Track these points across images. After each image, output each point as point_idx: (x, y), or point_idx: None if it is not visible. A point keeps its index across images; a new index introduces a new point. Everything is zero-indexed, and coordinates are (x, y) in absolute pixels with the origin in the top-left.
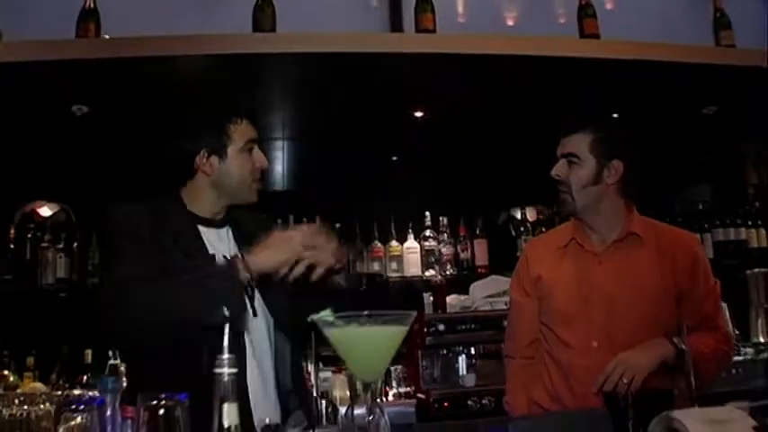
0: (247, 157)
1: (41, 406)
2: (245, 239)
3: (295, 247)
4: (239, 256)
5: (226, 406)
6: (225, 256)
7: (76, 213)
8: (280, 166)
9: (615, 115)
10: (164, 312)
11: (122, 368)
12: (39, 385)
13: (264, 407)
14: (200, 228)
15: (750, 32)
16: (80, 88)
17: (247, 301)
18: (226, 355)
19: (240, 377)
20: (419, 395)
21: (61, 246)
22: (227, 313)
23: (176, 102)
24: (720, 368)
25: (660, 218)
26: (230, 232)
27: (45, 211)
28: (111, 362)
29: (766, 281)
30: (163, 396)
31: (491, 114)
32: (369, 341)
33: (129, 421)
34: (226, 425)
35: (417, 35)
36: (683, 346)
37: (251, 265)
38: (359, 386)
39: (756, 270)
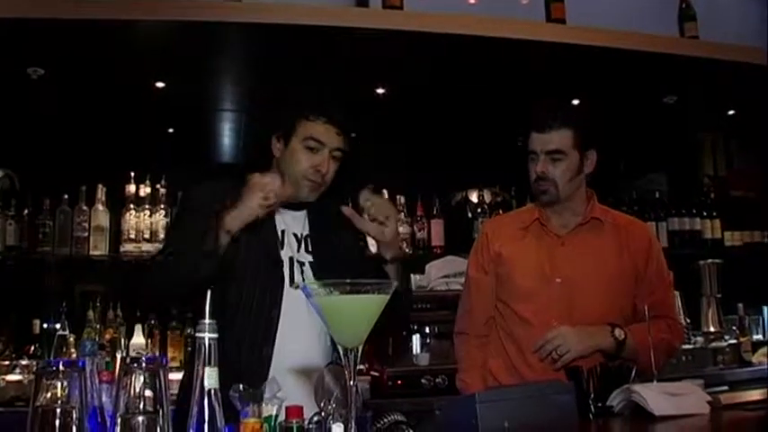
0: (307, 154)
1: None
2: (325, 225)
3: (257, 198)
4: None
5: (207, 369)
6: (294, 234)
7: (22, 180)
8: (237, 139)
9: (576, 101)
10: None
11: (71, 339)
12: None
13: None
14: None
15: (716, 25)
16: (38, 50)
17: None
18: (207, 320)
19: (268, 343)
20: (373, 372)
21: (11, 212)
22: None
23: (137, 70)
24: (666, 357)
25: (616, 205)
26: (307, 215)
27: None
28: (60, 333)
29: (718, 271)
30: (143, 358)
31: (453, 94)
32: (350, 308)
33: (105, 385)
34: (207, 387)
35: (382, 11)
36: (622, 338)
37: (224, 225)
38: (340, 351)
39: (709, 260)
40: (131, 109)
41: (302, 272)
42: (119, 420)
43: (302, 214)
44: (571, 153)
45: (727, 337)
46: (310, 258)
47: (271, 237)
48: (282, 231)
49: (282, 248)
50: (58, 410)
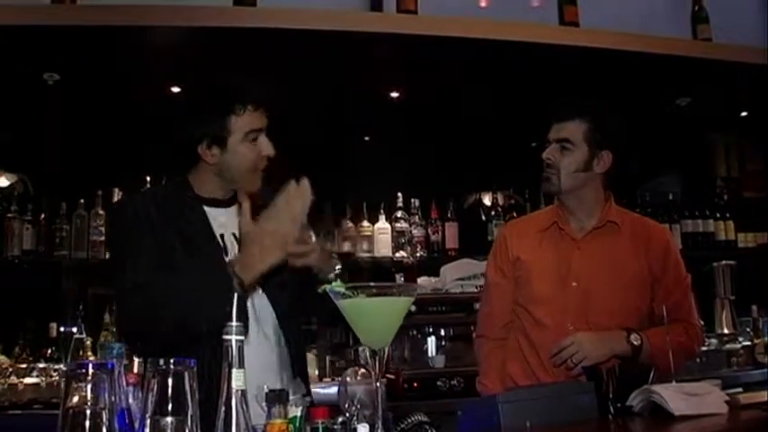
0: (250, 146)
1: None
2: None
3: (285, 245)
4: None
5: (234, 371)
6: (233, 234)
7: (39, 184)
8: None
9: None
10: (167, 317)
11: (88, 342)
12: (2, 358)
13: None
14: (206, 208)
15: (729, 28)
16: (53, 56)
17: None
18: (234, 323)
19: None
20: (389, 375)
21: (28, 217)
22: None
23: (152, 75)
24: (684, 361)
25: (630, 207)
26: (238, 210)
27: (2, 181)
28: (77, 336)
29: (732, 273)
30: (171, 361)
31: (466, 97)
32: (376, 311)
33: (132, 387)
34: (234, 389)
35: (396, 15)
36: (639, 343)
37: (242, 276)
38: (367, 353)
39: (723, 262)
40: (147, 113)
41: None
42: (147, 422)
43: (233, 210)
44: (581, 145)
45: (741, 339)
46: None
47: (211, 243)
48: (221, 235)
49: (228, 254)
50: (89, 412)
